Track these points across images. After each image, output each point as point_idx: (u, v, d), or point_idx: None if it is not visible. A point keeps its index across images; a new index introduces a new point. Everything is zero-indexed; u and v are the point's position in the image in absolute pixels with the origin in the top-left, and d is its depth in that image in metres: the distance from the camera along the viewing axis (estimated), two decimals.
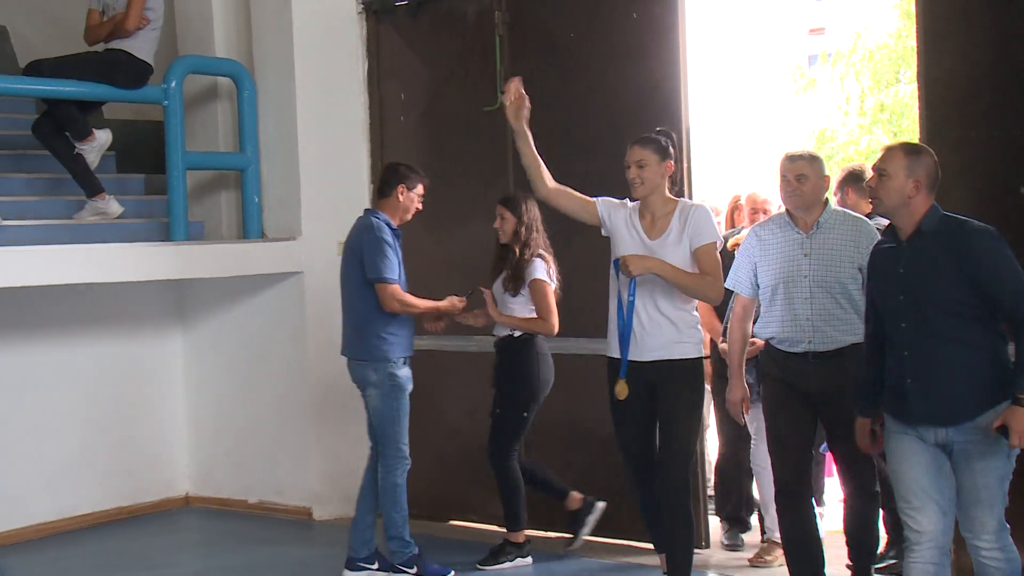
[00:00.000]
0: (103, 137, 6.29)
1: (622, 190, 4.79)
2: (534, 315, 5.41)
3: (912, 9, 5.30)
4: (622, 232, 4.67)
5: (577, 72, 6.13)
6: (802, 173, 4.51)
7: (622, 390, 4.56)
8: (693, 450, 4.76)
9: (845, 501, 4.67)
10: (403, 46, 6.79)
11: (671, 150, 4.68)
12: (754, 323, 4.75)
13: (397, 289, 5.22)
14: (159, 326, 7.18)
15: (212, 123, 7.05)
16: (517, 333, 5.45)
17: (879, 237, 4.31)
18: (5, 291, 5.95)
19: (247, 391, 6.86)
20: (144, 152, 7.06)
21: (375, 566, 5.44)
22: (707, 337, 5.50)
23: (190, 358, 7.22)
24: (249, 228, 6.68)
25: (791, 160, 4.57)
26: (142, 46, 6.26)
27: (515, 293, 5.41)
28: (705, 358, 5.10)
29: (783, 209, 4.77)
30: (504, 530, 5.63)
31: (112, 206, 6.25)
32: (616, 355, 4.65)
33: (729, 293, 4.84)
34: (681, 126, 5.69)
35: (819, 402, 4.50)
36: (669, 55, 5.79)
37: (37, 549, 6.29)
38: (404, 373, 5.30)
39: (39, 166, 6.70)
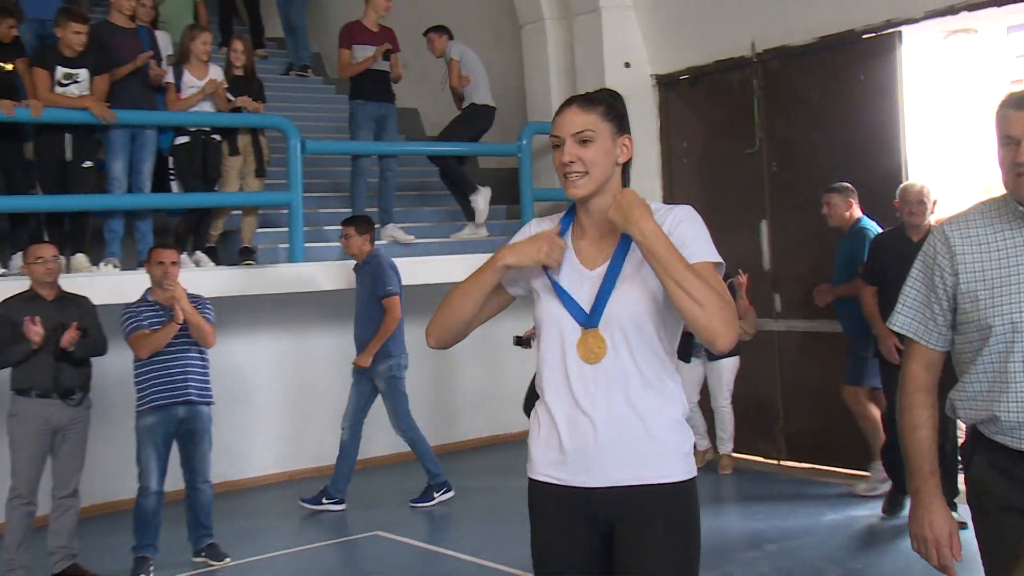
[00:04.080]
0: (485, 191, 7.26)
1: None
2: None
3: None
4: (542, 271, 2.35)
5: (817, 122, 6.36)
6: None
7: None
8: None
9: None
10: (684, 108, 7.17)
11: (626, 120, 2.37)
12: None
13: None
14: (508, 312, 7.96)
15: (551, 168, 7.41)
16: None
17: None
18: (413, 287, 6.55)
19: None
20: (506, 189, 7.92)
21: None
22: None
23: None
24: None
25: (1020, 106, 2.16)
26: (477, 94, 7.25)
27: None
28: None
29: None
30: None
31: (481, 231, 7.32)
32: (546, 478, 2.28)
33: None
34: (901, 161, 5.89)
35: None
36: (890, 107, 5.99)
37: (385, 473, 7.18)
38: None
39: (438, 202, 7.84)
